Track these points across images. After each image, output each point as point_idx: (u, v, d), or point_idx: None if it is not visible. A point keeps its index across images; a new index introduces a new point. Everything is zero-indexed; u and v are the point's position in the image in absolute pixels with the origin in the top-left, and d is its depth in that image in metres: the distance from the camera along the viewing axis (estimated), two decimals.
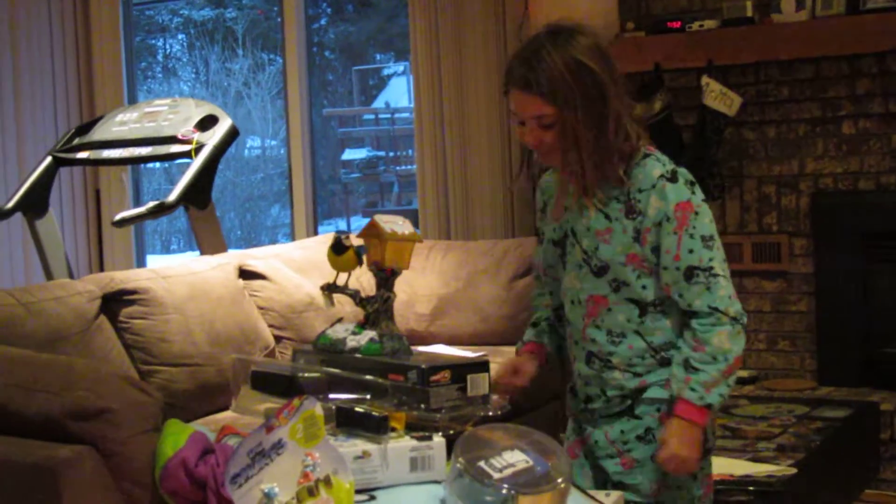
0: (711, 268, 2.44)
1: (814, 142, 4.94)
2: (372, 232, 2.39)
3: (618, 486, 2.56)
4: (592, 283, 2.51)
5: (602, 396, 2.56)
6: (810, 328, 4.99)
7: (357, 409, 2.13)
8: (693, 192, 2.48)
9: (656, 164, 2.49)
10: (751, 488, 3.08)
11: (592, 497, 2.41)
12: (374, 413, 2.10)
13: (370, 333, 2.34)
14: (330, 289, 2.47)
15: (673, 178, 2.47)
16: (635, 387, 2.53)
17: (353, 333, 2.36)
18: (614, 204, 2.48)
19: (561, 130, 2.43)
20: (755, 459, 3.35)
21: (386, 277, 2.38)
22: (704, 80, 4.85)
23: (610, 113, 2.44)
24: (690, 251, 2.44)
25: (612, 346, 2.52)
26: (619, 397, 2.55)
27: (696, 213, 2.46)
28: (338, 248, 2.43)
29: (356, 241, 2.47)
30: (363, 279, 2.65)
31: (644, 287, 2.49)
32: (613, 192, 2.48)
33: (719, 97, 4.84)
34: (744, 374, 5.01)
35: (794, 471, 3.23)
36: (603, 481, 2.60)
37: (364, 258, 2.42)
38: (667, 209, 2.45)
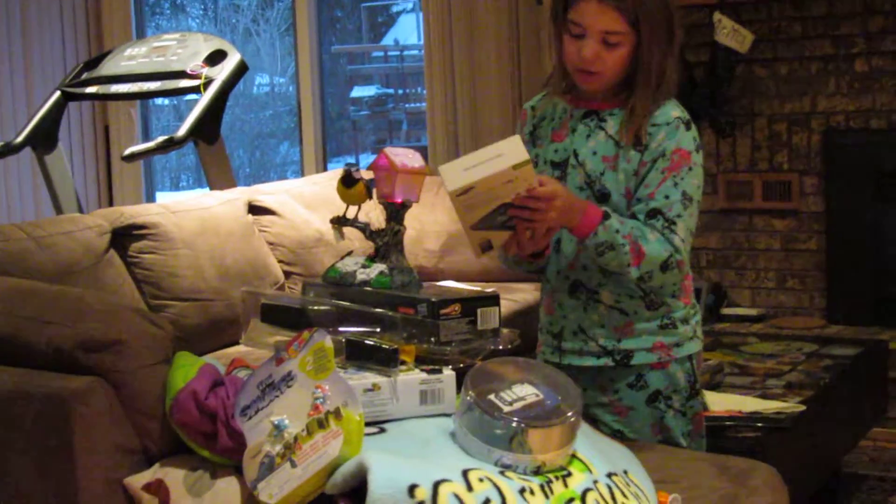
0: (674, 223, 2.39)
1: (826, 79, 4.92)
2: (382, 164, 2.37)
3: (615, 434, 2.56)
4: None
5: (580, 334, 2.55)
6: (820, 267, 4.99)
7: (367, 341, 2.12)
8: (697, 151, 2.45)
9: (676, 108, 2.47)
10: (759, 424, 3.08)
11: (601, 432, 2.42)
12: (383, 346, 2.10)
13: (380, 266, 2.33)
14: (339, 222, 2.45)
15: (688, 125, 2.45)
16: (618, 339, 2.52)
17: (363, 266, 2.34)
18: (625, 133, 2.45)
19: (632, 52, 2.38)
20: (764, 396, 3.35)
21: (396, 210, 2.36)
22: (716, 16, 4.82)
23: (675, 52, 2.43)
24: (666, 196, 2.39)
25: (603, 278, 2.48)
26: (602, 351, 2.53)
27: (690, 169, 2.42)
28: (348, 180, 2.41)
29: (366, 175, 2.45)
30: (373, 214, 2.64)
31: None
32: (629, 123, 2.45)
33: (731, 34, 4.81)
34: (753, 311, 5.02)
35: (802, 408, 3.23)
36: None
37: (374, 191, 2.41)
38: (667, 147, 2.41)
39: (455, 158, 2.43)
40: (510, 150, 2.18)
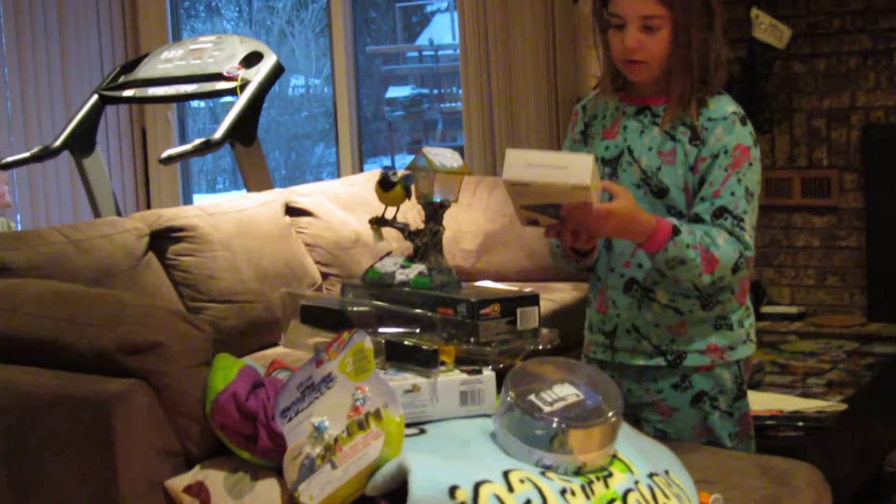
0: (742, 220, 2.39)
1: (865, 74, 4.89)
2: (420, 164, 2.37)
3: (658, 434, 2.55)
4: (651, 205, 2.44)
5: (633, 333, 2.53)
6: (860, 264, 4.96)
7: (406, 342, 2.12)
8: (755, 145, 2.44)
9: (731, 102, 2.46)
10: (800, 424, 3.06)
11: (643, 431, 2.41)
12: (423, 346, 2.09)
13: (419, 267, 2.33)
14: (378, 222, 2.45)
15: (744, 120, 2.44)
16: (672, 339, 2.51)
17: (402, 267, 2.34)
18: (680, 127, 2.44)
19: (672, 34, 2.38)
20: (805, 395, 3.34)
21: (435, 210, 2.36)
22: (754, 12, 4.80)
23: (717, 37, 2.42)
24: (732, 194, 2.39)
25: (658, 276, 2.46)
26: (655, 350, 2.52)
27: (751, 164, 2.42)
28: (385, 184, 2.41)
29: (403, 173, 2.45)
30: (410, 215, 2.64)
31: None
32: (681, 115, 2.44)
33: (769, 29, 4.79)
34: (793, 309, 5.00)
35: (843, 406, 3.21)
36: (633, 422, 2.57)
37: (412, 192, 2.41)
38: (728, 144, 2.41)
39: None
40: (577, 168, 2.17)
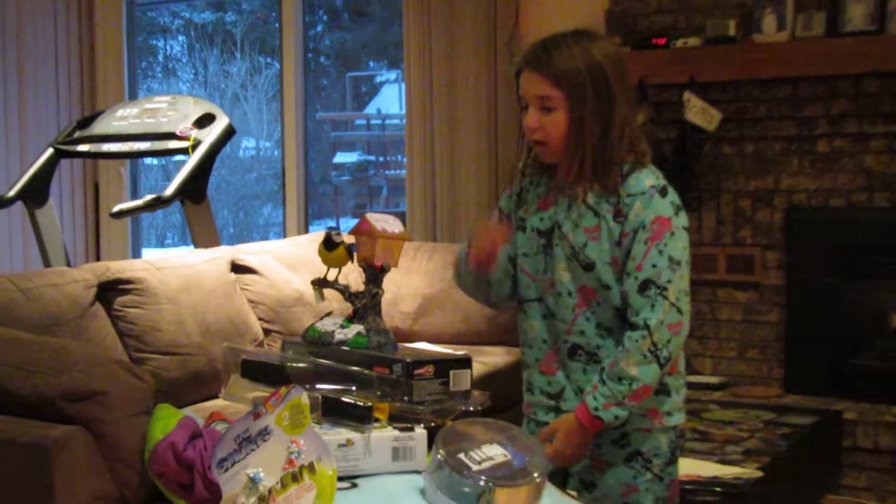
0: (666, 289, 2.39)
1: (789, 159, 4.95)
2: (363, 229, 2.39)
3: (583, 483, 2.56)
4: (583, 276, 2.46)
5: (580, 395, 2.54)
6: (780, 338, 5.00)
7: (343, 398, 2.12)
8: (676, 214, 2.44)
9: (650, 176, 2.45)
10: (718, 489, 3.08)
11: (568, 493, 2.41)
12: (358, 403, 2.10)
13: (357, 327, 2.34)
14: (320, 283, 2.46)
15: (663, 192, 2.44)
16: None
17: (341, 327, 2.35)
18: (604, 204, 2.44)
19: (567, 118, 2.39)
20: (723, 462, 3.36)
21: (375, 274, 2.37)
22: (686, 95, 4.86)
23: (616, 118, 2.41)
24: (654, 266, 2.39)
25: (601, 339, 2.48)
26: None
27: (672, 234, 2.41)
28: (329, 244, 2.42)
29: (347, 239, 2.46)
30: (352, 276, 2.65)
31: (620, 293, 2.49)
32: (605, 193, 2.46)
33: (700, 113, 4.85)
34: (714, 380, 5.03)
35: (759, 474, 3.23)
36: (564, 476, 2.59)
37: (354, 255, 2.42)
38: (645, 218, 2.40)
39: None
40: None
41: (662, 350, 2.38)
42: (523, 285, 2.59)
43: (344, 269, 2.46)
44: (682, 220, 2.45)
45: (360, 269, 2.41)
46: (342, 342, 2.33)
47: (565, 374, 2.55)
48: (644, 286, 2.40)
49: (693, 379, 5.03)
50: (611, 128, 2.41)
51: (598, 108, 2.39)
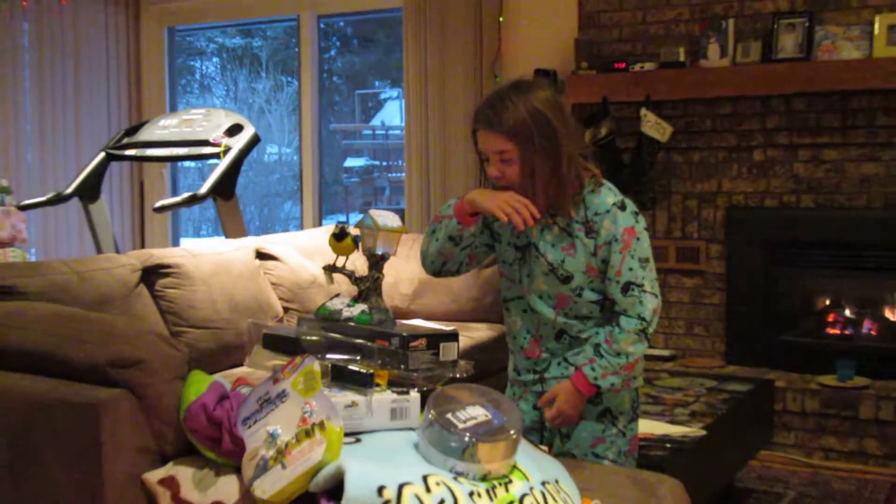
0: (643, 285, 2.44)
1: (730, 166, 4.95)
2: (367, 223, 2.38)
3: (560, 434, 2.57)
4: (559, 288, 2.49)
5: (563, 363, 2.56)
6: (721, 317, 5.01)
7: (349, 367, 2.11)
8: (637, 221, 2.46)
9: (609, 194, 2.46)
10: (668, 445, 3.08)
11: (538, 446, 2.41)
12: (362, 371, 2.09)
13: (362, 306, 2.33)
14: (330, 269, 2.45)
15: (623, 206, 2.45)
16: None
17: (348, 306, 2.34)
18: (575, 224, 2.46)
19: (521, 165, 2.38)
20: (672, 422, 3.36)
21: (377, 261, 2.36)
22: (642, 111, 4.85)
23: (563, 153, 2.39)
24: (630, 269, 2.43)
25: (582, 325, 2.52)
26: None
27: (638, 239, 2.45)
28: (339, 235, 2.41)
29: (354, 231, 2.45)
30: (358, 263, 2.63)
31: (593, 290, 2.49)
32: (575, 216, 2.46)
33: (654, 126, 4.85)
34: (665, 352, 5.04)
35: (703, 432, 3.23)
36: (541, 423, 2.60)
37: (360, 245, 2.41)
38: (616, 232, 2.43)
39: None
40: None
41: (650, 329, 2.46)
42: (504, 286, 2.62)
43: (351, 257, 2.45)
44: (642, 223, 2.48)
45: (365, 257, 2.40)
46: (349, 319, 2.32)
47: (549, 353, 2.57)
48: (626, 288, 2.44)
49: (647, 352, 5.03)
50: (559, 163, 2.39)
51: (545, 149, 2.37)
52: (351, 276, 2.43)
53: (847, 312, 4.88)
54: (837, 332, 4.84)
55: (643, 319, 2.44)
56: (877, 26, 4.53)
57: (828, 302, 4.95)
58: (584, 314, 2.51)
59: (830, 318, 4.89)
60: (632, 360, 2.46)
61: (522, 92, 2.38)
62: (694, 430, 3.24)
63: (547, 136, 2.36)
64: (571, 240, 2.46)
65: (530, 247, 2.52)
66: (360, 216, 2.41)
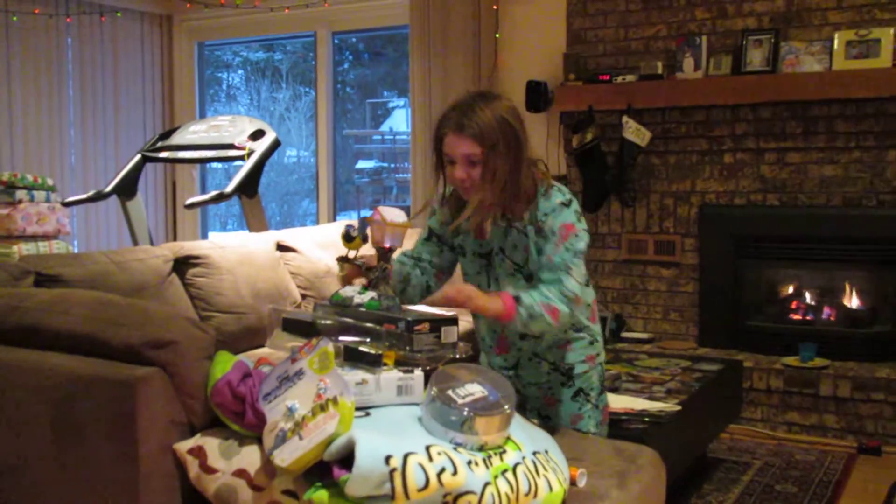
0: (570, 268, 2.34)
1: (702, 168, 4.95)
2: (376, 219, 2.37)
3: (540, 416, 2.57)
4: (524, 285, 2.45)
5: (534, 359, 2.57)
6: (694, 304, 5.01)
7: (359, 348, 2.11)
8: (578, 220, 2.39)
9: (558, 194, 2.41)
10: (646, 419, 3.08)
11: (530, 420, 2.41)
12: (371, 351, 2.09)
13: (371, 293, 2.32)
14: (343, 260, 2.45)
15: (568, 204, 2.39)
16: (562, 356, 2.56)
17: (359, 293, 2.34)
18: (529, 227, 2.42)
19: (484, 168, 2.33)
20: (650, 398, 3.35)
21: (385, 253, 2.36)
22: (624, 118, 4.85)
23: (523, 159, 2.36)
24: (562, 259, 2.35)
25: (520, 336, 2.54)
26: (552, 367, 2.57)
27: (577, 236, 2.37)
28: (346, 238, 2.41)
29: (370, 220, 2.43)
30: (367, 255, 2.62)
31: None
32: (530, 218, 2.41)
33: (635, 132, 4.84)
34: (644, 335, 5.03)
35: (678, 408, 3.23)
36: (521, 407, 2.59)
37: (369, 237, 2.40)
38: (554, 225, 2.37)
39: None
40: None
41: (570, 303, 2.32)
42: None
43: (361, 249, 2.44)
44: (583, 224, 2.40)
45: (374, 249, 2.40)
46: (360, 305, 2.32)
47: (517, 348, 2.56)
48: (552, 268, 2.35)
49: (628, 335, 5.04)
50: (518, 168, 2.35)
51: (507, 154, 2.32)
52: (361, 266, 2.42)
53: (808, 300, 4.88)
54: (799, 317, 4.84)
55: (564, 293, 2.31)
56: (836, 42, 4.53)
57: (791, 290, 4.95)
58: None
59: (793, 305, 4.89)
60: (553, 305, 2.29)
61: (488, 101, 2.34)
62: (670, 406, 3.24)
63: (510, 142, 2.33)
64: (526, 240, 2.42)
65: (494, 252, 2.48)
66: (370, 212, 2.40)
